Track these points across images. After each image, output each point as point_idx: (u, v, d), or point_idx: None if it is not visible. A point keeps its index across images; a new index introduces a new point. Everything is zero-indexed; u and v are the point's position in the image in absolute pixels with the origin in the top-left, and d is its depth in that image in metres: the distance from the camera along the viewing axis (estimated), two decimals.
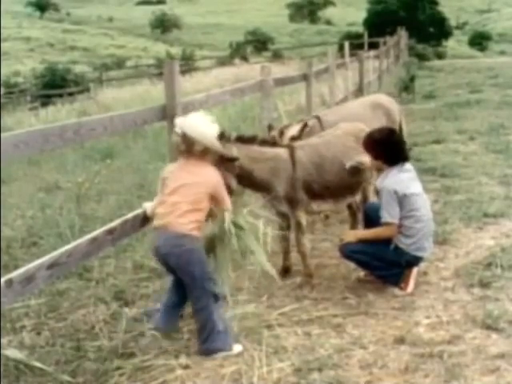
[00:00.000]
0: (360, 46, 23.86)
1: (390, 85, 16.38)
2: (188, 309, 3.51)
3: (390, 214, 3.86)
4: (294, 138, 4.74)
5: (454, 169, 7.13)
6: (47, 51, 50.46)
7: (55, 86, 26.24)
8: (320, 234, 5.26)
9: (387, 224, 3.89)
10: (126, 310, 3.78)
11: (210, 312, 3.23)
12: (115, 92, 21.57)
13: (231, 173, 3.72)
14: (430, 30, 37.00)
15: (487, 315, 3.48)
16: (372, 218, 4.13)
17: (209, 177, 3.29)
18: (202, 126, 3.26)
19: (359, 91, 11.94)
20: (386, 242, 3.95)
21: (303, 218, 4.20)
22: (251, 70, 19.25)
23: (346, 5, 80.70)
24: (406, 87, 14.82)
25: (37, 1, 68.50)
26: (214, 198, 3.28)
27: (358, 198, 4.67)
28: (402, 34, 27.10)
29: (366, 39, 27.71)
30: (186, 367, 3.13)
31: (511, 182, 6.39)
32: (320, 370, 3.03)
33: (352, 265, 4.29)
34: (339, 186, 4.30)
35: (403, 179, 3.92)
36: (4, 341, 3.34)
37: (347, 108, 6.22)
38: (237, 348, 3.27)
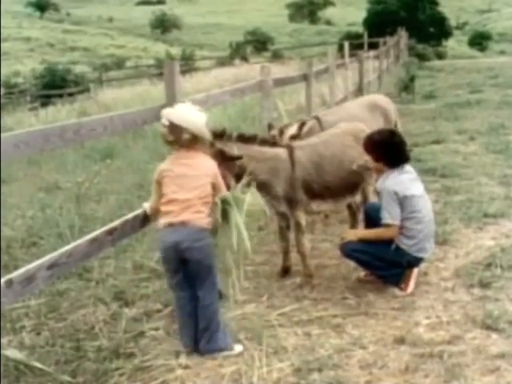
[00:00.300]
0: (360, 46, 23.87)
1: (390, 85, 16.39)
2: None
3: (390, 216, 3.86)
4: (293, 137, 4.75)
5: (454, 169, 7.13)
6: (47, 51, 50.49)
7: (55, 86, 26.27)
8: (320, 234, 5.26)
9: (388, 225, 3.89)
10: (126, 310, 3.78)
11: (215, 309, 3.25)
12: (115, 92, 21.58)
13: (230, 172, 3.72)
14: (430, 30, 37.03)
15: (487, 315, 3.48)
16: (373, 218, 4.12)
17: (208, 168, 3.26)
18: (189, 114, 3.21)
19: (359, 91, 11.94)
20: (387, 242, 3.94)
21: (303, 218, 4.19)
22: (251, 70, 19.26)
23: (346, 5, 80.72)
24: (406, 87, 14.83)
25: (37, 1, 68.58)
26: (214, 187, 3.27)
27: (357, 198, 4.67)
28: (402, 34, 27.12)
29: (365, 39, 27.71)
30: (186, 367, 3.13)
31: (511, 183, 6.38)
32: (320, 370, 3.03)
33: (352, 265, 4.29)
34: (339, 186, 4.30)
35: (403, 180, 3.92)
36: (4, 341, 3.35)
37: (346, 108, 6.23)
38: (237, 348, 3.27)
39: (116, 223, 3.38)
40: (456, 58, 35.27)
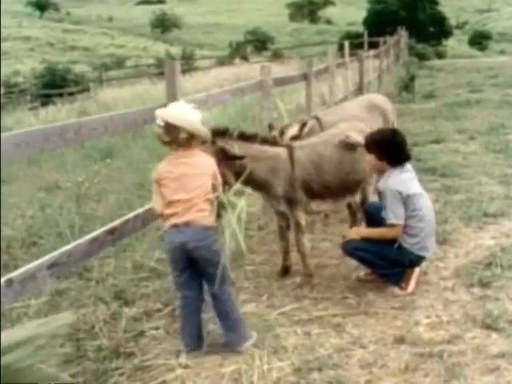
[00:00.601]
0: (360, 46, 23.87)
1: (390, 84, 16.39)
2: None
3: (395, 215, 3.86)
4: (294, 138, 4.75)
5: (453, 168, 7.13)
6: (47, 51, 50.46)
7: (55, 85, 26.24)
8: (320, 233, 5.26)
9: (392, 225, 3.89)
10: (126, 309, 3.78)
11: (232, 301, 3.30)
12: (115, 92, 21.57)
13: (230, 170, 3.72)
14: (430, 30, 37.05)
15: (487, 315, 3.48)
16: (374, 217, 4.13)
17: (208, 166, 3.25)
18: (184, 113, 3.18)
19: (359, 91, 11.94)
20: (390, 240, 3.94)
21: (302, 218, 4.19)
22: (251, 70, 19.26)
23: (346, 4, 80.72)
24: (406, 87, 14.82)
25: (37, 0, 68.54)
26: (213, 187, 3.27)
27: (357, 197, 4.67)
28: (402, 34, 27.11)
29: (365, 39, 27.67)
30: (186, 367, 3.13)
31: (511, 182, 6.38)
32: (320, 369, 3.04)
33: (352, 264, 4.30)
34: (338, 186, 4.29)
35: (405, 180, 3.92)
36: None
37: (345, 108, 6.23)
38: (254, 335, 3.35)
39: (116, 223, 3.38)
40: (456, 57, 35.25)
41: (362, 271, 4.23)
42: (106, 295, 3.97)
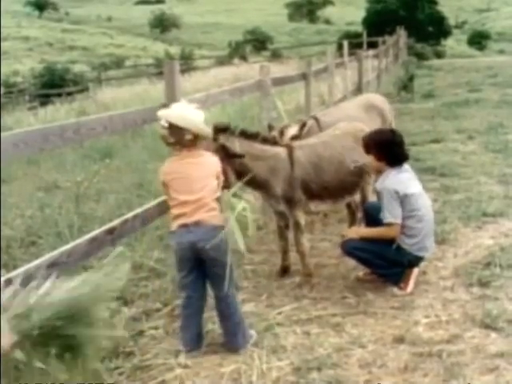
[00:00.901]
0: (359, 46, 23.89)
1: (389, 84, 16.39)
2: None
3: (392, 215, 3.86)
4: (294, 138, 4.75)
5: (452, 168, 7.13)
6: (46, 51, 50.43)
7: (54, 85, 26.23)
8: (319, 233, 5.26)
9: (390, 224, 3.89)
10: (125, 309, 3.78)
11: (236, 303, 3.30)
12: (114, 91, 21.54)
13: (231, 168, 3.72)
14: (429, 30, 37.06)
15: (486, 314, 3.48)
16: (373, 217, 4.13)
17: (214, 165, 3.26)
18: (188, 114, 3.17)
19: (358, 90, 11.94)
20: (388, 240, 3.94)
21: (302, 218, 4.19)
22: (250, 70, 19.27)
23: (345, 4, 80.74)
24: (405, 86, 14.83)
25: (36, 0, 68.46)
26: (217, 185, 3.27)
27: (356, 197, 4.67)
28: (401, 34, 27.09)
29: (365, 38, 27.67)
30: (186, 366, 3.13)
31: (510, 181, 6.38)
32: (319, 369, 3.04)
33: (351, 264, 4.30)
34: (337, 186, 4.29)
35: (403, 179, 3.93)
36: None
37: (343, 109, 6.23)
38: (253, 334, 3.36)
39: (115, 222, 3.38)
40: (455, 57, 35.27)
41: (361, 271, 4.23)
42: None
